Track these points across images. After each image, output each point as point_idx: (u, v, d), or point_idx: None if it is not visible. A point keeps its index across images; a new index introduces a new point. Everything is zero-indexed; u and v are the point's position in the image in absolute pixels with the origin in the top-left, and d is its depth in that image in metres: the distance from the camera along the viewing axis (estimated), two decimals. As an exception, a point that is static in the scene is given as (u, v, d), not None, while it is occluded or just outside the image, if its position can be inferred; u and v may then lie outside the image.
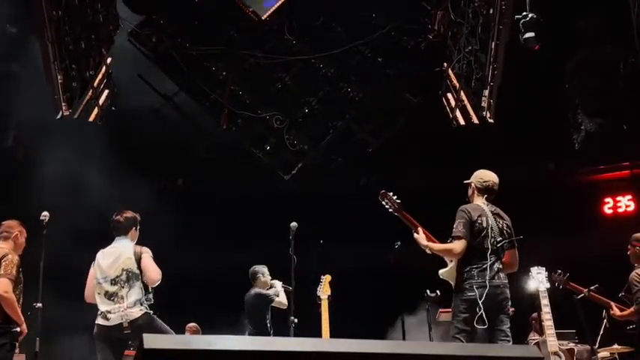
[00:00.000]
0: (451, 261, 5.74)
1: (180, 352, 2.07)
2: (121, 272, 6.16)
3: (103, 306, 6.13)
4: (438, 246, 5.79)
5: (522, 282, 8.28)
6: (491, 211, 5.75)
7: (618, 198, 12.17)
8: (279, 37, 12.10)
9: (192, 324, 9.98)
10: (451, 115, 10.92)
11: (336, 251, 10.88)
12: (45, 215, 6.94)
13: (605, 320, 7.98)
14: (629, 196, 12.13)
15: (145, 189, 9.97)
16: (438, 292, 8.13)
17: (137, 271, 6.14)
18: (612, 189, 12.27)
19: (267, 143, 12.26)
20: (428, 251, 5.83)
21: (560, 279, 8.14)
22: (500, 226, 5.71)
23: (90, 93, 10.25)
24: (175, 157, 11.82)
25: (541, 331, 8.19)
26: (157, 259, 6.27)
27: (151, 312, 6.15)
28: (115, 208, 6.60)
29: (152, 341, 2.06)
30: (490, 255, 5.55)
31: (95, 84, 10.34)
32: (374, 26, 11.91)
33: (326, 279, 8.79)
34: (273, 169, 12.18)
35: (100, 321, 6.12)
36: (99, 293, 6.18)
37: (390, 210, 6.12)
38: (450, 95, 11.11)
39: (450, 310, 5.84)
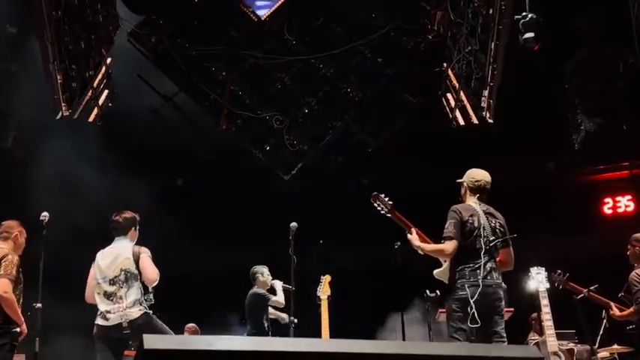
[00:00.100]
0: (445, 261, 5.75)
1: (180, 352, 2.08)
2: (119, 272, 6.16)
3: (102, 306, 6.14)
4: (429, 246, 5.80)
5: (522, 282, 8.28)
6: (484, 211, 5.73)
7: (618, 198, 12.18)
8: (278, 37, 12.10)
9: (191, 324, 9.98)
10: (451, 116, 10.92)
11: (335, 251, 10.89)
12: (45, 215, 6.94)
13: (604, 320, 7.98)
14: (629, 196, 12.14)
15: (144, 189, 9.97)
16: (437, 292, 8.12)
17: (136, 271, 6.15)
18: (612, 189, 12.27)
19: (266, 143, 12.26)
20: (420, 252, 5.83)
21: (559, 279, 8.14)
22: (493, 225, 5.69)
23: (89, 93, 10.25)
24: (175, 158, 11.82)
25: (541, 332, 8.19)
26: (157, 260, 6.27)
27: (150, 312, 6.15)
28: (115, 208, 6.60)
29: (152, 342, 2.06)
30: (483, 254, 5.54)
31: (95, 84, 10.34)
32: (374, 26, 11.92)
33: (326, 279, 8.80)
34: (272, 169, 12.18)
35: (99, 321, 6.12)
36: (98, 293, 6.18)
37: (383, 212, 6.12)
38: (449, 95, 11.11)
39: (449, 310, 5.84)
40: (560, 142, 11.31)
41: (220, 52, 12.01)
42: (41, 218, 6.93)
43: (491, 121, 9.90)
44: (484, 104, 9.81)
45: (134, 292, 6.11)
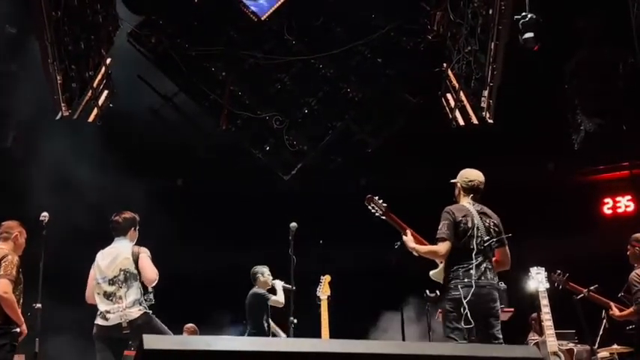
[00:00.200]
0: (441, 262, 5.75)
1: (179, 352, 2.08)
2: (118, 272, 6.17)
3: (102, 306, 6.14)
4: (423, 248, 5.81)
5: (522, 282, 8.29)
6: (478, 211, 5.72)
7: (618, 198, 12.18)
8: (278, 37, 12.10)
9: (190, 324, 9.99)
10: (450, 116, 10.92)
11: (335, 251, 10.88)
12: (44, 216, 6.94)
13: (604, 320, 7.98)
14: (629, 197, 12.14)
15: (144, 189, 9.97)
16: (437, 292, 8.12)
17: (135, 272, 6.15)
18: (612, 189, 12.27)
19: (266, 143, 12.26)
20: (415, 253, 5.84)
21: (559, 279, 8.14)
22: (487, 225, 5.68)
23: (89, 93, 10.25)
24: (175, 158, 11.83)
25: (541, 332, 8.19)
26: (157, 260, 6.27)
27: (150, 312, 6.16)
28: (115, 208, 6.61)
29: (152, 342, 2.07)
30: (476, 255, 5.55)
31: (94, 84, 10.34)
32: (373, 27, 11.91)
33: (325, 279, 8.80)
34: (272, 169, 12.18)
35: (99, 321, 6.13)
36: (98, 293, 6.19)
37: (377, 214, 6.13)
38: (449, 95, 11.11)
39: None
40: (560, 142, 11.31)
41: (220, 52, 12.01)
42: (41, 218, 6.93)
43: (491, 121, 9.89)
44: (484, 104, 9.81)
45: (134, 292, 6.12)
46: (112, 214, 6.49)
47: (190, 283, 10.86)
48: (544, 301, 7.70)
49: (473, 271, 5.47)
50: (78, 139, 9.92)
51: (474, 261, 5.50)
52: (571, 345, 8.05)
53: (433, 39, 11.61)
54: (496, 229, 5.72)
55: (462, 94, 10.59)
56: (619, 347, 8.15)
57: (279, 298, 8.35)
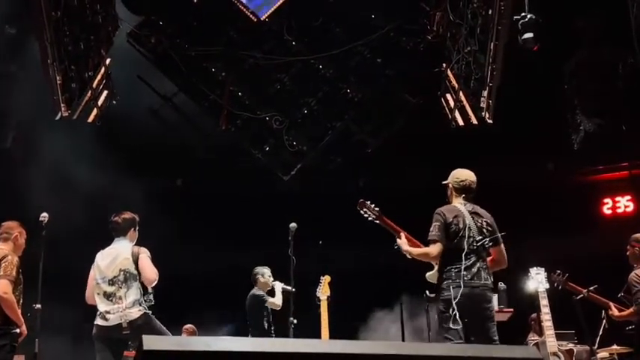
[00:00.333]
0: (436, 264, 5.75)
1: (179, 353, 2.08)
2: (118, 272, 6.18)
3: (102, 306, 6.14)
4: (416, 250, 5.81)
5: (522, 282, 8.29)
6: (469, 211, 5.70)
7: (617, 198, 12.19)
8: (278, 37, 12.10)
9: (188, 325, 9.98)
10: (450, 116, 10.91)
11: (335, 252, 10.88)
12: (44, 216, 6.94)
13: (604, 321, 7.98)
14: (628, 197, 12.15)
15: (144, 190, 9.97)
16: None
17: (135, 272, 6.16)
18: (611, 189, 12.28)
19: (266, 144, 12.26)
20: (409, 256, 5.84)
21: (559, 279, 8.14)
22: (479, 224, 5.66)
23: (89, 94, 10.24)
24: (174, 158, 11.83)
25: (540, 332, 8.19)
26: (156, 260, 6.28)
27: (150, 312, 6.16)
28: (114, 209, 6.61)
29: (151, 342, 2.07)
30: (469, 255, 5.54)
31: (94, 85, 10.33)
32: (373, 27, 11.91)
33: (325, 280, 8.80)
34: (272, 169, 12.18)
35: (98, 321, 6.13)
36: (98, 294, 6.19)
37: (370, 219, 6.13)
38: (448, 96, 11.11)
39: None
40: (560, 142, 11.32)
41: (220, 52, 12.01)
42: (40, 219, 6.93)
43: (490, 121, 9.89)
44: (483, 104, 9.80)
45: (133, 293, 6.12)
46: (112, 214, 6.49)
47: (190, 284, 10.87)
48: (544, 302, 7.70)
49: (466, 272, 5.47)
50: (77, 140, 9.91)
51: (466, 261, 5.50)
52: (571, 345, 8.05)
53: (433, 39, 11.60)
54: (489, 228, 5.70)
55: (461, 94, 10.58)
56: (619, 347, 8.15)
57: (277, 300, 8.35)
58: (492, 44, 9.05)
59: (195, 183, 12.11)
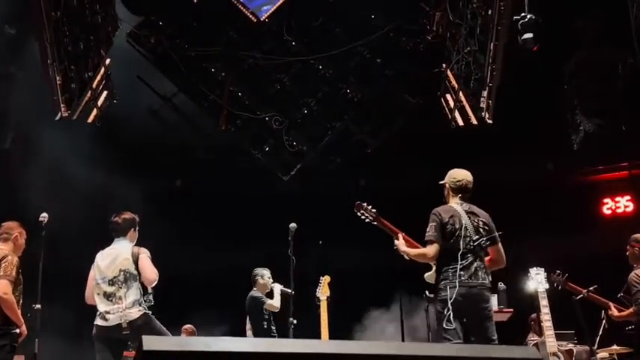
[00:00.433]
0: (434, 264, 5.76)
1: (179, 353, 2.08)
2: (118, 273, 6.18)
3: (101, 306, 6.15)
4: (413, 251, 5.82)
5: (521, 283, 8.29)
6: (466, 210, 5.70)
7: (617, 198, 12.19)
8: (277, 37, 12.09)
9: (188, 325, 9.98)
10: (450, 116, 10.91)
11: (335, 252, 10.87)
12: (44, 216, 6.94)
13: (604, 321, 7.99)
14: (628, 197, 12.15)
15: (143, 190, 9.97)
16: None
17: (135, 272, 6.16)
18: (611, 189, 12.28)
19: (266, 144, 12.26)
20: (406, 257, 5.85)
21: (559, 279, 8.15)
22: (476, 224, 5.66)
23: (88, 94, 10.23)
24: (174, 158, 11.83)
25: (540, 332, 8.20)
26: (156, 260, 6.28)
27: (150, 312, 6.16)
28: (114, 209, 6.61)
29: (151, 343, 2.07)
30: (466, 255, 5.54)
31: (94, 85, 10.33)
32: (373, 27, 11.91)
33: (325, 280, 8.80)
34: (272, 169, 12.18)
35: (98, 321, 6.13)
36: (98, 294, 6.20)
37: (368, 220, 6.13)
38: (448, 96, 11.11)
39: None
40: (560, 142, 11.31)
41: (219, 52, 12.01)
42: (40, 219, 6.93)
43: (490, 121, 9.89)
44: (483, 105, 9.80)
45: (133, 293, 6.12)
46: (112, 214, 6.49)
47: (189, 284, 10.86)
48: (543, 302, 7.70)
49: (462, 272, 5.47)
50: (77, 140, 9.92)
51: (464, 261, 5.50)
52: (570, 345, 8.05)
53: (432, 39, 11.60)
54: (486, 227, 5.69)
55: (461, 94, 10.58)
56: (618, 348, 8.16)
57: (275, 302, 8.35)
58: (492, 44, 9.05)
59: (195, 183, 12.11)
